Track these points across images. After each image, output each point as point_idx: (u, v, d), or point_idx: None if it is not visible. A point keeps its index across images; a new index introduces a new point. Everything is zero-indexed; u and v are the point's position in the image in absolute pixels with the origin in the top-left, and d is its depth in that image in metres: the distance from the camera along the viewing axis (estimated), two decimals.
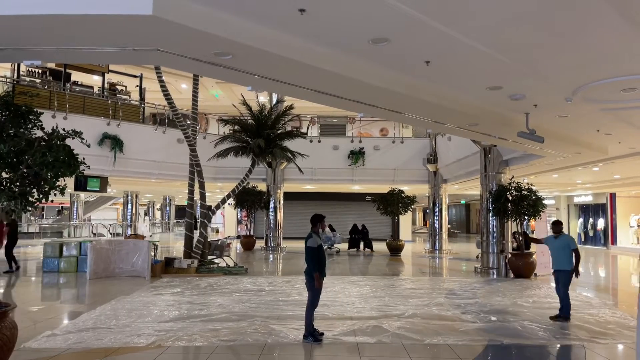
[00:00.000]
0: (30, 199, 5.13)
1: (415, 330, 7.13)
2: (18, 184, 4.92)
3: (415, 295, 10.21)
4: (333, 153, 22.12)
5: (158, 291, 10.32)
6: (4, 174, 5.02)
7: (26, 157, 4.84)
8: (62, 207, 41.37)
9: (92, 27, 4.22)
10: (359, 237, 22.43)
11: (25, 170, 4.93)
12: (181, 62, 5.16)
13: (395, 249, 20.49)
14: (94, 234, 31.40)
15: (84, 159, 5.87)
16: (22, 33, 4.24)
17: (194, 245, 14.07)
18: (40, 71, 18.44)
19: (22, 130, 5.20)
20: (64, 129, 5.68)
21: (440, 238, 21.93)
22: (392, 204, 19.98)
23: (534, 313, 8.48)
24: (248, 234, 23.46)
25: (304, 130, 24.73)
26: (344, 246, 22.64)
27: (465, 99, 7.39)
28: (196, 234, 14.48)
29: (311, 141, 22.17)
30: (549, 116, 8.48)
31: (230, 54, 4.98)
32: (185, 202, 17.07)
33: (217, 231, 37.41)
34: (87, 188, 19.93)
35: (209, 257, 14.53)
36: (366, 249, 22.25)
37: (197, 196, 14.85)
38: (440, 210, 22.03)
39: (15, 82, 17.44)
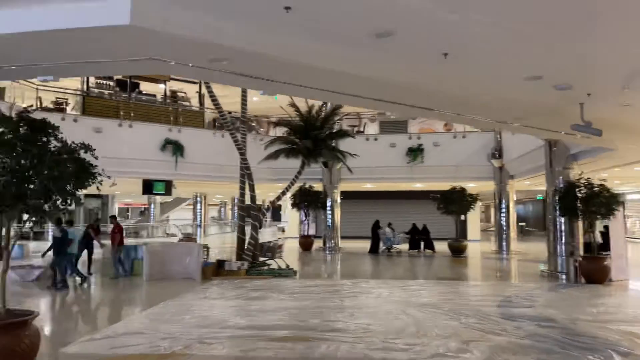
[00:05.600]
0: (47, 209, 5.30)
1: (458, 346, 6.45)
2: (31, 197, 5.09)
3: (462, 305, 9.49)
4: (390, 151, 21.44)
5: (205, 294, 10.50)
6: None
7: (36, 171, 4.99)
8: (145, 208, 43.92)
9: (80, 41, 4.25)
10: (419, 237, 21.55)
11: (37, 183, 5.10)
12: (180, 69, 5.09)
13: (457, 250, 19.44)
14: (167, 234, 33.10)
15: (102, 170, 5.97)
16: (13, 51, 4.36)
17: (245, 247, 14.23)
18: (108, 83, 19.66)
19: (39, 144, 5.38)
20: (82, 143, 5.76)
21: (507, 237, 20.58)
22: (453, 202, 19.02)
23: (596, 327, 7.52)
24: (306, 234, 23.44)
25: (361, 128, 24.30)
26: (405, 247, 21.90)
27: (500, 92, 6.69)
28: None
29: (367, 139, 21.71)
30: (607, 105, 7.49)
31: (226, 59, 4.82)
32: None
33: (283, 230, 37.91)
34: (154, 191, 21.11)
35: (261, 259, 14.61)
36: (427, 249, 21.37)
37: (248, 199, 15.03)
38: (507, 207, 20.66)
39: (85, 94, 18.69)
